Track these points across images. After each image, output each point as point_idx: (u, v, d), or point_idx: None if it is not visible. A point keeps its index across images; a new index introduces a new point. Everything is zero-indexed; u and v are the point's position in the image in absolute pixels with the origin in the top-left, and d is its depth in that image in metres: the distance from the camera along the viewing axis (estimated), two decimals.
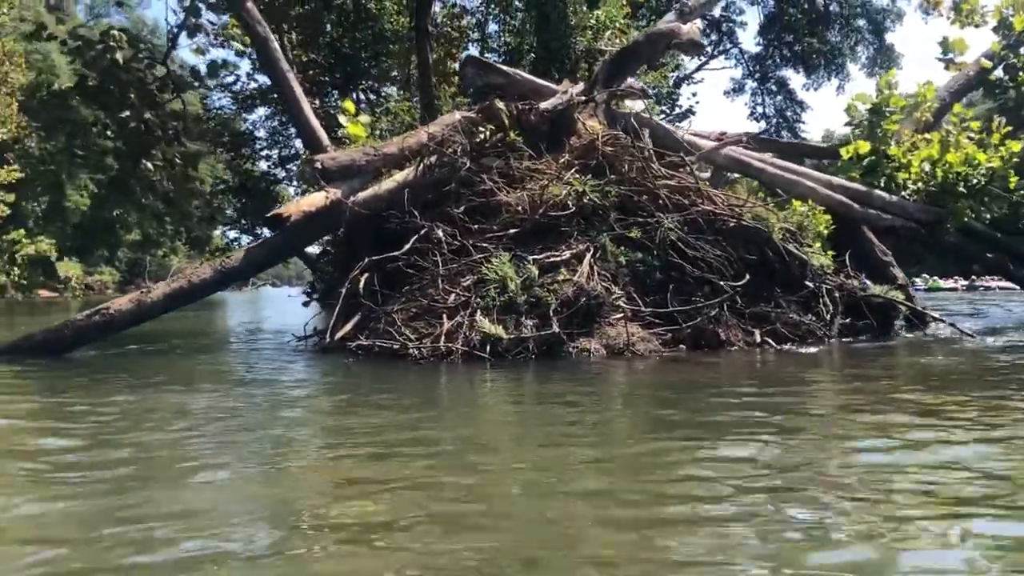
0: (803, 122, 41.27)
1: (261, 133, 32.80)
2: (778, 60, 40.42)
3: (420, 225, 9.71)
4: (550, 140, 10.63)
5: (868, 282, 10.73)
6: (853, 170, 14.23)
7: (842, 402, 5.57)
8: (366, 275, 9.67)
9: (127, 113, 13.33)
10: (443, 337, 8.07)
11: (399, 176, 10.71)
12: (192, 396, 6.12)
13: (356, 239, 10.90)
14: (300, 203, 9.99)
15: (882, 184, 13.91)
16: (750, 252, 9.73)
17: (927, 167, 14.05)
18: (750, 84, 41.04)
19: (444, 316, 8.46)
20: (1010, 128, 14.56)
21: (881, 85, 14.97)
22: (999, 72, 16.18)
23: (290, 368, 8.21)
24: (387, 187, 10.59)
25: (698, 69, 37.29)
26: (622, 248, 9.27)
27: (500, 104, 10.53)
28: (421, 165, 10.63)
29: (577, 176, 9.68)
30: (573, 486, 3.28)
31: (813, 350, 8.83)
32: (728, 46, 40.26)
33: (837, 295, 10.13)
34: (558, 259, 8.82)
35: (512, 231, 9.44)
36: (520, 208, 9.62)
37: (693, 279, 9.37)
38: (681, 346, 8.68)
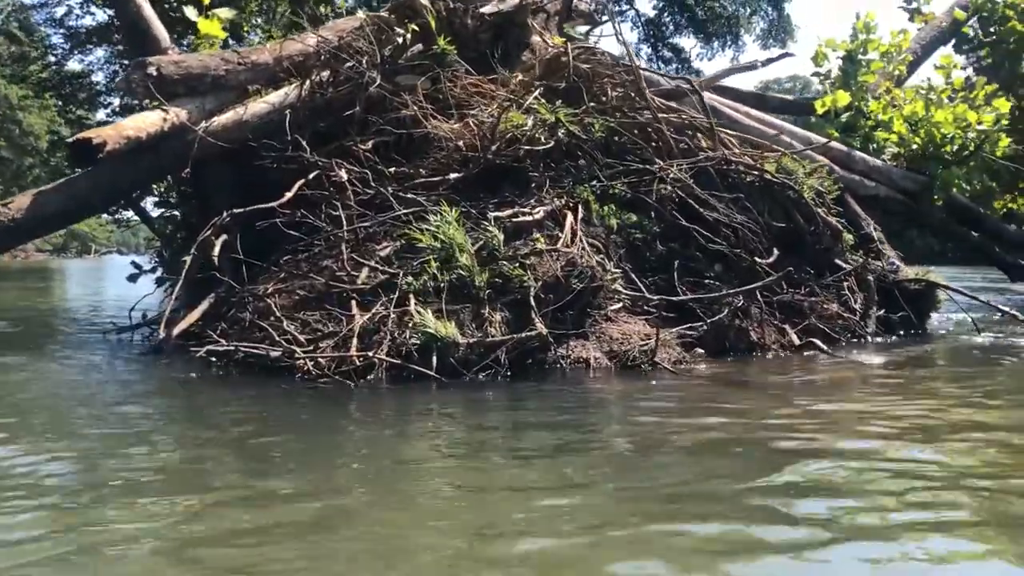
0: None
1: (99, 77, 27.84)
2: (672, 27, 38.49)
3: (310, 163, 6.48)
4: (496, 57, 7.55)
5: (898, 262, 8.25)
6: (829, 127, 11.84)
7: None
8: (224, 237, 6.39)
9: None
10: (354, 340, 4.93)
11: (274, 96, 7.40)
12: None
13: (210, 185, 7.53)
14: (122, 126, 6.56)
15: (858, 146, 11.57)
16: (775, 218, 7.04)
17: (907, 127, 11.79)
18: (645, 50, 38.91)
19: (353, 304, 5.33)
20: (996, 86, 12.53)
21: (858, 28, 12.63)
22: (974, 24, 14.23)
23: (75, 389, 4.90)
24: (257, 110, 7.28)
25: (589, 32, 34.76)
26: (609, 207, 6.35)
27: (424, 0, 7.36)
28: (308, 82, 7.36)
29: (543, 102, 6.66)
30: None
31: (877, 360, 6.20)
32: (624, 6, 37.94)
33: (870, 279, 7.60)
34: (528, 219, 5.80)
35: (453, 176, 6.35)
36: (462, 144, 6.53)
37: (704, 254, 6.59)
38: (698, 350, 5.87)
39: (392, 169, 6.63)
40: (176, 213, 8.57)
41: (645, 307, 5.93)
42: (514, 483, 2.92)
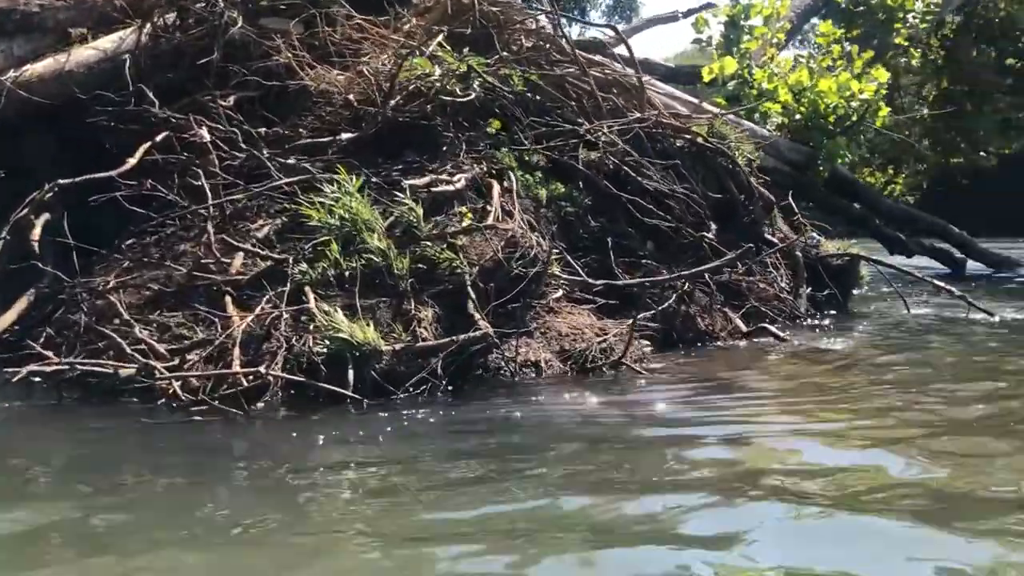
0: None
1: None
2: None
3: (159, 121, 5.10)
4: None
5: (818, 236, 7.69)
6: (717, 96, 11.27)
7: None
8: (46, 216, 4.94)
9: None
10: (235, 350, 3.69)
11: (106, 42, 5.92)
12: None
13: (26, 152, 5.95)
14: None
15: (743, 116, 11.09)
16: (708, 188, 6.23)
17: (792, 97, 11.40)
18: None
19: (228, 302, 4.07)
20: (872, 54, 12.37)
21: None
22: None
23: None
24: (83, 58, 5.79)
25: None
26: (535, 176, 5.32)
27: None
28: (150, 24, 5.91)
29: (448, 50, 5.51)
30: None
31: (840, 345, 5.52)
32: None
33: (798, 255, 6.96)
34: (449, 188, 4.68)
35: (345, 137, 5.13)
36: (352, 99, 5.31)
37: (637, 230, 5.70)
38: (643, 342, 4.95)
39: (262, 130, 5.35)
40: None
41: (582, 294, 4.97)
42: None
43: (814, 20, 14.55)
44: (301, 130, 5.32)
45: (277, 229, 4.61)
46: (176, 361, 3.64)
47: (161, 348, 3.75)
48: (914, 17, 13.79)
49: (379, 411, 3.47)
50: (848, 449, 2.94)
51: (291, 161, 4.86)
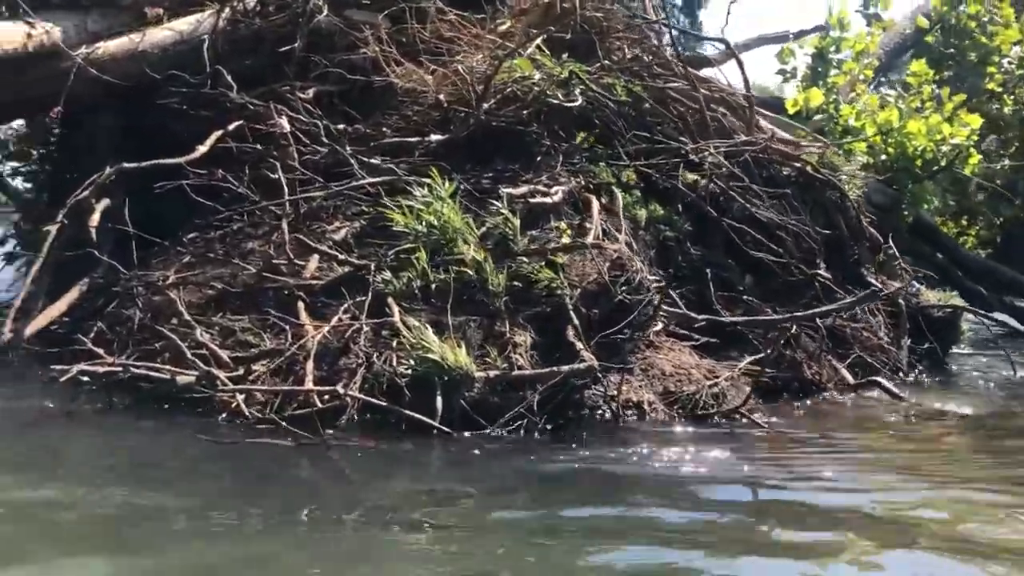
0: None
1: None
2: None
3: (235, 108, 4.73)
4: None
5: (918, 285, 7.09)
6: (800, 130, 10.73)
7: None
8: (106, 202, 4.58)
9: None
10: (309, 364, 3.25)
11: (183, 23, 5.58)
12: None
13: (89, 133, 5.64)
14: None
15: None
16: (816, 222, 5.71)
17: (880, 137, 10.81)
18: None
19: (301, 308, 3.64)
20: (964, 97, 11.73)
21: (832, 24, 11.60)
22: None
23: None
24: (158, 39, 5.47)
25: None
26: (632, 194, 4.85)
27: None
28: (229, 8, 5.58)
29: (546, 53, 5.08)
30: None
31: (958, 405, 4.94)
32: None
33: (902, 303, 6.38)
34: (547, 200, 4.22)
35: (435, 138, 4.71)
36: (443, 99, 4.90)
37: (737, 261, 5.20)
38: (744, 388, 4.41)
39: (342, 126, 4.95)
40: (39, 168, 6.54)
41: (680, 329, 4.47)
42: None
43: (902, 58, 13.95)
44: (385, 129, 4.91)
45: (355, 232, 4.19)
46: (240, 371, 3.21)
47: (224, 355, 3.32)
48: (1010, 62, 13.15)
49: (469, 448, 3.00)
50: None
51: (375, 160, 4.43)
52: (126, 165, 4.29)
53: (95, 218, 4.36)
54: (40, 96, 5.24)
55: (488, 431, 3.12)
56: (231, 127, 4.72)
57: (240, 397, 3.04)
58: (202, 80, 4.81)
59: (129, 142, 5.48)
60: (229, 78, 4.69)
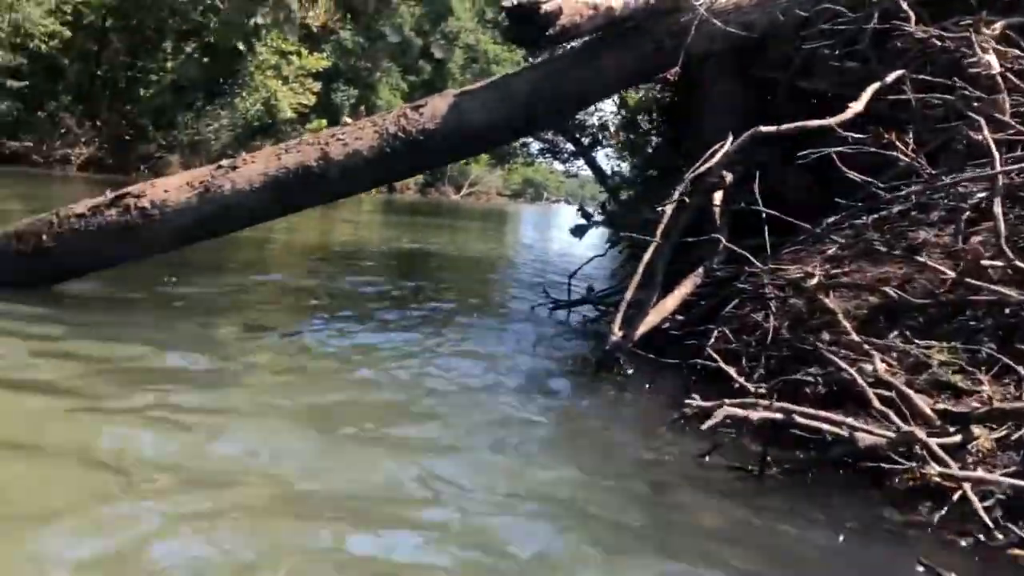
0: None
1: None
2: None
3: (893, 53, 3.52)
4: None
5: None
6: None
7: None
8: (729, 177, 3.75)
9: None
10: None
11: None
12: None
13: (703, 101, 4.91)
14: None
15: None
16: None
17: None
18: None
19: None
20: None
21: None
22: None
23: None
24: None
25: None
26: None
27: None
28: None
29: None
30: None
31: None
32: None
33: None
34: None
35: None
36: None
37: None
38: None
39: None
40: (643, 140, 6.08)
41: None
42: None
43: None
44: None
45: None
46: (957, 436, 2.02)
47: (923, 404, 2.16)
48: None
49: None
50: None
51: None
52: (763, 129, 3.35)
53: (718, 196, 3.52)
54: (651, 57, 4.61)
55: None
56: (890, 77, 3.52)
57: (967, 486, 1.85)
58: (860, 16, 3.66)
59: (748, 113, 4.63)
60: (905, 4, 3.46)
